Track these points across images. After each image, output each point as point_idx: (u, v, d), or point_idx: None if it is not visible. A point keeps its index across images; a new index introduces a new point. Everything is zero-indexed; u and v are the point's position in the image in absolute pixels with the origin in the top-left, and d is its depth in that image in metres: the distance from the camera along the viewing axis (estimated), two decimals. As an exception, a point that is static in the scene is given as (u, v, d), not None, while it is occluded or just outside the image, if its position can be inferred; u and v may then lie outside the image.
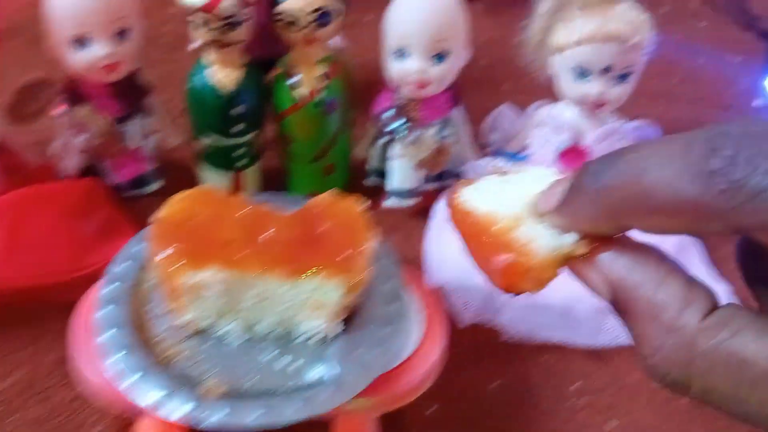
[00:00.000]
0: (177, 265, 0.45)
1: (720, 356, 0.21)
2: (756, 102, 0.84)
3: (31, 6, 0.85)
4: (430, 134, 0.65)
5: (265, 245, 0.46)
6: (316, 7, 0.58)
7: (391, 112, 0.65)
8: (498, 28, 0.93)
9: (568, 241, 0.25)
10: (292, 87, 0.63)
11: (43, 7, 0.59)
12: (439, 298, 0.54)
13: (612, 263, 0.24)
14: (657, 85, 0.85)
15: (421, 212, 0.69)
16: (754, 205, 0.19)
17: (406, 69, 0.61)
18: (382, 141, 0.67)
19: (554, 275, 0.25)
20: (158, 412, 0.43)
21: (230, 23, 0.57)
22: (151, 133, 0.67)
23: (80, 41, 0.59)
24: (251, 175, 0.68)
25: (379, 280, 0.51)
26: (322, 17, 0.59)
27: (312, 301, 0.46)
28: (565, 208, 0.24)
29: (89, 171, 0.67)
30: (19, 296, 0.58)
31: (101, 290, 0.49)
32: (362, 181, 0.70)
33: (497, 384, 0.57)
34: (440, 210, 0.67)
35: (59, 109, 0.64)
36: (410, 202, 0.68)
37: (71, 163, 0.65)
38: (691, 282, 0.23)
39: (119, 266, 0.51)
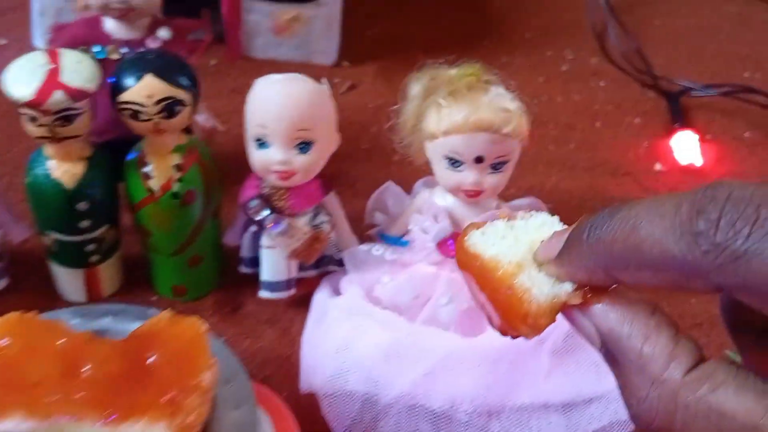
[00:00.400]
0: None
1: (701, 409, 0.22)
2: (657, 166, 0.81)
3: None
4: (302, 223, 0.60)
5: (83, 384, 0.41)
6: (161, 97, 0.53)
7: (256, 201, 0.59)
8: (389, 93, 0.89)
9: (565, 289, 0.26)
10: (145, 177, 0.57)
11: None
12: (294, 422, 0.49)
13: (604, 314, 0.25)
14: (553, 152, 0.82)
15: (302, 301, 0.64)
16: (734, 266, 0.20)
17: (269, 159, 0.56)
18: (251, 230, 0.62)
19: (550, 322, 0.26)
20: None
21: (63, 117, 0.52)
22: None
23: None
24: (107, 271, 0.63)
25: (227, 407, 0.45)
26: (170, 107, 0.53)
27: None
28: (563, 258, 0.26)
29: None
30: None
31: None
32: (237, 268, 0.65)
33: None
34: (319, 300, 0.62)
35: None
36: (285, 294, 0.63)
37: None
38: (678, 337, 0.24)
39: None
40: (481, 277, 0.28)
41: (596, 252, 0.24)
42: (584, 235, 0.24)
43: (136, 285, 0.65)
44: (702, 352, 0.24)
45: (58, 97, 0.50)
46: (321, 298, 0.62)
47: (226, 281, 0.66)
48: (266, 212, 0.59)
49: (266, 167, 0.56)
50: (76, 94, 0.51)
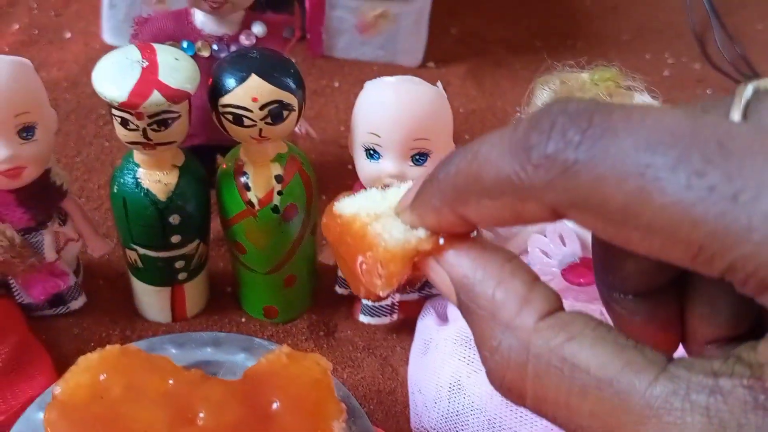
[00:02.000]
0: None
1: (553, 360, 0.20)
2: None
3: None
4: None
5: (197, 435, 0.35)
6: (268, 100, 0.47)
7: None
8: (481, 96, 0.84)
9: (418, 235, 0.24)
10: (243, 189, 0.52)
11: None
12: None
13: (457, 260, 0.23)
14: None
15: (401, 326, 0.58)
16: (564, 179, 0.18)
17: (380, 171, 0.50)
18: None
19: (401, 269, 0.24)
20: None
21: (159, 121, 0.46)
22: (69, 243, 0.55)
23: (-26, 141, 0.47)
24: (194, 289, 0.57)
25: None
26: (276, 112, 0.48)
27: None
28: (415, 201, 0.24)
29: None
30: None
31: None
32: (330, 287, 0.59)
33: None
34: (424, 328, 0.56)
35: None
36: (387, 320, 0.57)
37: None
38: (535, 282, 0.22)
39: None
40: (342, 236, 0.26)
41: (442, 189, 0.22)
42: (434, 174, 0.23)
43: (221, 304, 0.60)
44: (561, 302, 0.21)
45: (155, 98, 0.45)
46: (426, 325, 0.56)
47: (318, 302, 0.60)
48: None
49: (376, 180, 0.50)
50: (174, 96, 0.45)
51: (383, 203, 0.26)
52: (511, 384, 0.21)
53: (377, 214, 0.25)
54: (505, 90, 0.86)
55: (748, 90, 0.21)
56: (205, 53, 0.56)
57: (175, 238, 0.52)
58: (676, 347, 0.26)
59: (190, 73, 0.47)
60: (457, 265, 0.23)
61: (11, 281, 0.54)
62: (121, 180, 0.51)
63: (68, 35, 0.86)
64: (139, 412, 0.36)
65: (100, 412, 0.35)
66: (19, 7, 0.90)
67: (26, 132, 0.48)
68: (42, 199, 0.52)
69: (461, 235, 0.23)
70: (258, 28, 0.58)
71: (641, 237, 0.18)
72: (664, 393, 0.18)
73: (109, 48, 0.83)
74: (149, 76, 0.45)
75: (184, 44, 0.57)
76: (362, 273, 0.25)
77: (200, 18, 0.57)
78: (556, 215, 0.20)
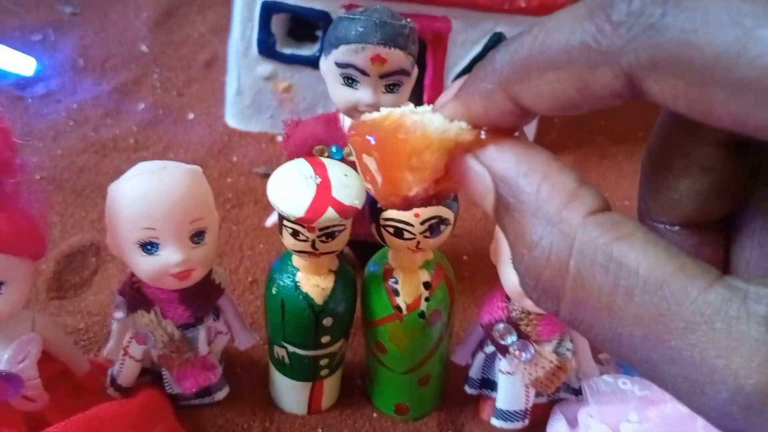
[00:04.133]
0: None
1: (599, 258, 0.18)
2: None
3: (72, 155, 0.78)
4: (548, 351, 0.55)
5: None
6: (429, 216, 0.49)
7: (503, 325, 0.55)
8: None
9: (458, 125, 0.22)
10: (392, 294, 0.54)
11: (108, 202, 0.51)
12: None
13: (500, 155, 0.21)
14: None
15: (530, 429, 0.59)
16: (648, 36, 0.17)
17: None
18: (487, 350, 0.58)
19: (436, 162, 0.22)
20: None
21: (327, 233, 0.49)
22: (218, 335, 0.57)
23: (149, 245, 0.50)
24: (331, 383, 0.59)
25: None
26: (435, 226, 0.50)
27: None
28: (462, 89, 0.22)
29: (145, 373, 0.58)
30: None
31: None
32: (462, 387, 0.61)
33: None
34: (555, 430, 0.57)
35: (117, 314, 0.54)
36: (519, 425, 0.58)
37: (126, 372, 0.56)
38: (583, 182, 0.20)
39: None
40: (369, 133, 0.24)
41: (499, 68, 0.20)
42: (488, 59, 0.21)
43: (353, 398, 0.62)
44: (609, 204, 0.20)
45: (329, 214, 0.47)
46: (556, 430, 0.57)
47: (447, 400, 0.62)
48: (513, 337, 0.55)
49: (519, 291, 0.52)
50: (347, 212, 0.48)
51: (408, 108, 0.24)
52: (548, 283, 0.19)
53: (412, 110, 0.23)
54: (611, 183, 0.87)
55: None
56: (353, 158, 0.59)
57: (325, 339, 0.54)
58: None
59: (359, 190, 0.49)
60: (500, 159, 0.21)
61: (164, 372, 0.57)
62: (281, 282, 0.53)
63: (191, 116, 0.90)
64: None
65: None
66: (144, 86, 0.94)
67: (198, 237, 0.51)
68: (203, 296, 0.54)
69: (503, 131, 0.22)
70: (402, 135, 0.60)
71: (729, 97, 0.16)
72: (718, 300, 0.17)
73: (233, 132, 0.88)
74: (324, 192, 0.48)
75: (333, 148, 0.60)
76: (390, 167, 0.23)
77: (348, 123, 0.60)
78: (629, 84, 0.18)
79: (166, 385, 0.57)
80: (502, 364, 0.56)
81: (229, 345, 0.61)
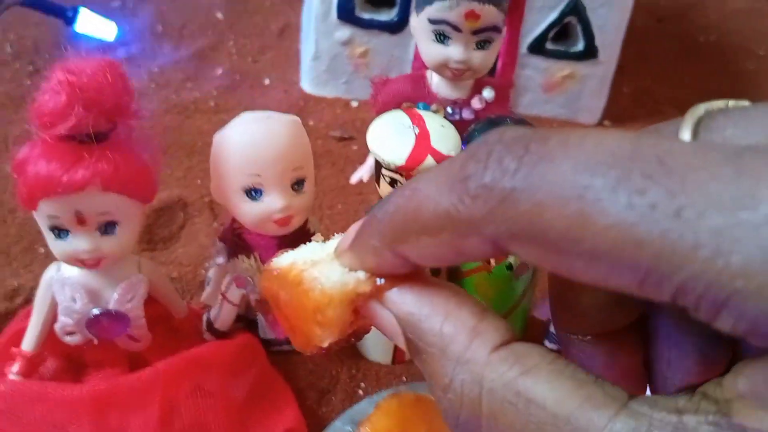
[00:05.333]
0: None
1: (508, 395, 0.18)
2: None
3: (156, 116, 0.80)
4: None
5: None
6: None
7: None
8: None
9: (357, 277, 0.23)
10: (480, 246, 0.55)
11: (214, 150, 0.53)
12: None
13: (399, 298, 0.21)
14: None
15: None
16: (503, 209, 0.17)
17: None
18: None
19: (340, 316, 0.22)
20: None
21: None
22: (311, 284, 0.60)
23: (253, 192, 0.52)
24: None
25: None
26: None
27: None
28: (354, 242, 0.23)
29: (239, 320, 0.60)
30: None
31: None
32: (542, 342, 0.62)
33: None
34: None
35: (218, 259, 0.57)
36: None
37: (224, 316, 0.58)
38: (484, 314, 0.20)
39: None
40: (278, 290, 0.24)
41: (381, 229, 0.21)
42: (374, 214, 0.21)
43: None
44: (513, 334, 0.20)
45: (428, 162, 0.49)
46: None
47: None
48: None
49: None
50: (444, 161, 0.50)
51: (322, 252, 0.24)
52: (466, 423, 0.19)
53: (314, 261, 0.24)
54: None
55: (700, 109, 0.20)
56: (441, 115, 0.61)
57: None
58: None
59: (455, 141, 0.51)
60: (401, 303, 0.21)
61: (257, 318, 0.59)
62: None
63: (267, 81, 0.93)
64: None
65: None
66: (220, 53, 0.97)
67: (298, 185, 0.53)
68: (298, 244, 0.56)
69: (402, 274, 0.22)
70: (488, 93, 0.62)
71: (585, 264, 0.17)
72: (624, 430, 0.17)
73: (309, 97, 0.90)
74: (423, 142, 0.50)
75: (420, 106, 0.61)
76: (300, 321, 0.23)
77: (436, 82, 0.62)
78: (498, 249, 0.18)
79: (259, 330, 0.60)
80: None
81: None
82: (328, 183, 0.79)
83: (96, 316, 0.52)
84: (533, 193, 0.17)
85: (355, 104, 0.89)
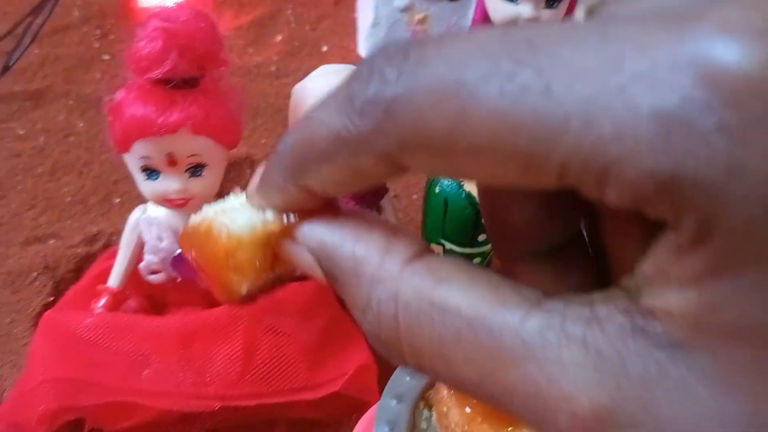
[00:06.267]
0: (479, 425, 0.39)
1: (423, 307, 0.18)
2: None
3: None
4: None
5: None
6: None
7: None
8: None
9: (264, 218, 0.22)
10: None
11: (293, 101, 0.56)
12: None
13: (310, 231, 0.21)
14: None
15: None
16: (388, 121, 0.16)
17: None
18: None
19: (252, 258, 0.22)
20: None
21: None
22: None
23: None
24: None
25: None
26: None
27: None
28: (260, 182, 0.22)
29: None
30: (251, 412, 0.53)
31: (377, 435, 0.43)
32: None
33: None
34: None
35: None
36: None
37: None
38: (395, 232, 0.20)
39: (389, 405, 0.45)
40: (192, 244, 0.24)
41: (283, 163, 0.20)
42: (276, 149, 0.21)
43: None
44: (428, 248, 0.19)
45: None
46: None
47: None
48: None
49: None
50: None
51: (235, 202, 0.24)
52: (387, 341, 0.19)
53: (224, 210, 0.23)
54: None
55: None
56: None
57: (482, 237, 0.59)
58: None
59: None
60: (312, 235, 0.21)
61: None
62: (445, 182, 0.57)
63: (325, 48, 0.95)
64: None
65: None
66: (279, 21, 0.99)
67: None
68: (370, 192, 0.59)
69: (311, 209, 0.21)
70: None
71: (472, 163, 0.16)
72: (537, 327, 0.16)
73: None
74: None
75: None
76: (215, 271, 0.23)
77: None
78: (393, 166, 0.18)
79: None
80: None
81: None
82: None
83: (180, 254, 0.55)
84: (413, 97, 0.16)
85: (412, 71, 0.91)
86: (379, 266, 0.19)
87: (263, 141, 0.79)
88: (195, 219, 0.24)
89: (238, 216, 0.22)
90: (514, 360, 0.16)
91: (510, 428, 0.39)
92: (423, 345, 0.18)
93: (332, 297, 0.61)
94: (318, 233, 0.21)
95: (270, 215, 0.22)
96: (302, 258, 0.21)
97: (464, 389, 0.18)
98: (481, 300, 0.17)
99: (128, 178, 0.55)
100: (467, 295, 0.17)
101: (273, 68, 0.90)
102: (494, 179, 0.16)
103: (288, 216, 0.22)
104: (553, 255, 0.21)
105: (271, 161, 0.21)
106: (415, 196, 0.75)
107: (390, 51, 0.17)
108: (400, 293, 0.18)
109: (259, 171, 0.22)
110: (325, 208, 0.21)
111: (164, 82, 0.50)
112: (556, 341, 0.16)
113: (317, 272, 0.21)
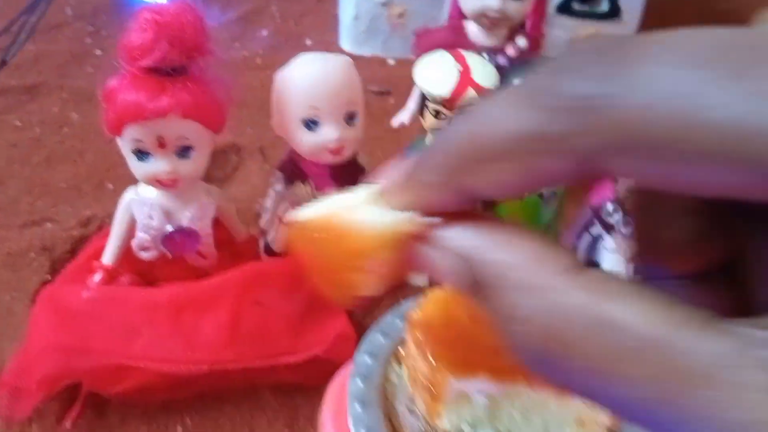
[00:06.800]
0: (443, 373, 0.43)
1: (592, 320, 0.17)
2: None
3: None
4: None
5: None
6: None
7: (611, 205, 0.62)
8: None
9: (407, 217, 0.21)
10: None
11: (276, 87, 0.59)
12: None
13: (457, 234, 0.20)
14: None
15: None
16: (598, 119, 0.16)
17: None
18: (593, 232, 0.65)
19: (389, 259, 0.21)
20: None
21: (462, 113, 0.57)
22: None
23: (311, 123, 0.58)
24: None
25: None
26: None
27: (579, 417, 0.44)
28: (407, 181, 0.21)
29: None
30: (236, 376, 0.57)
31: (351, 389, 0.47)
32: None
33: None
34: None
35: (276, 187, 0.63)
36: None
37: (280, 238, 0.65)
38: (548, 242, 0.19)
39: (363, 361, 0.49)
40: (312, 240, 0.23)
41: (444, 161, 0.19)
42: (431, 148, 0.20)
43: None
44: (581, 260, 0.18)
45: (470, 95, 0.55)
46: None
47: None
48: (619, 215, 0.62)
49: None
50: (484, 93, 0.56)
51: (349, 201, 0.23)
52: (538, 353, 0.18)
53: (350, 207, 0.22)
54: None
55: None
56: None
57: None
58: None
59: (493, 75, 0.57)
60: (459, 238, 0.20)
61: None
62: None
63: (309, 42, 0.99)
64: (485, 335, 0.45)
65: (455, 332, 0.45)
66: (264, 16, 1.03)
67: (350, 118, 0.59)
68: (349, 174, 0.63)
69: (453, 213, 0.21)
70: (521, 41, 0.68)
71: (694, 168, 0.15)
72: (725, 350, 0.16)
73: (348, 55, 0.96)
74: (465, 76, 0.56)
75: (458, 53, 0.67)
76: (340, 269, 0.22)
77: (473, 30, 0.68)
78: (583, 168, 0.17)
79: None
80: (607, 242, 0.64)
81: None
82: (367, 133, 0.85)
83: (170, 233, 0.59)
84: (633, 97, 0.15)
85: (392, 62, 0.95)
86: (534, 275, 0.18)
87: (249, 130, 0.83)
88: (307, 213, 0.23)
89: (376, 214, 0.21)
90: (699, 381, 0.16)
91: (470, 375, 0.43)
92: (588, 361, 0.17)
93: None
94: (465, 237, 0.20)
95: (406, 216, 0.21)
96: (440, 262, 0.20)
97: (629, 409, 0.17)
98: (658, 318, 0.16)
99: (120, 165, 0.59)
100: (640, 311, 0.17)
101: (258, 61, 0.94)
102: (715, 189, 0.16)
103: (430, 218, 0.21)
104: (694, 278, 0.21)
105: (423, 159, 0.20)
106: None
107: (595, 46, 0.17)
108: (558, 304, 0.17)
109: (394, 171, 0.22)
110: (466, 212, 0.20)
111: (154, 70, 0.54)
112: (742, 365, 0.15)
113: (455, 278, 0.20)
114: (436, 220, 0.21)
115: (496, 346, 0.45)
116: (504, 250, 0.19)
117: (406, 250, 0.21)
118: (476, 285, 0.19)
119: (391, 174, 0.22)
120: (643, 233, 0.22)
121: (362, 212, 0.22)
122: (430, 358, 0.44)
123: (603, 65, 0.16)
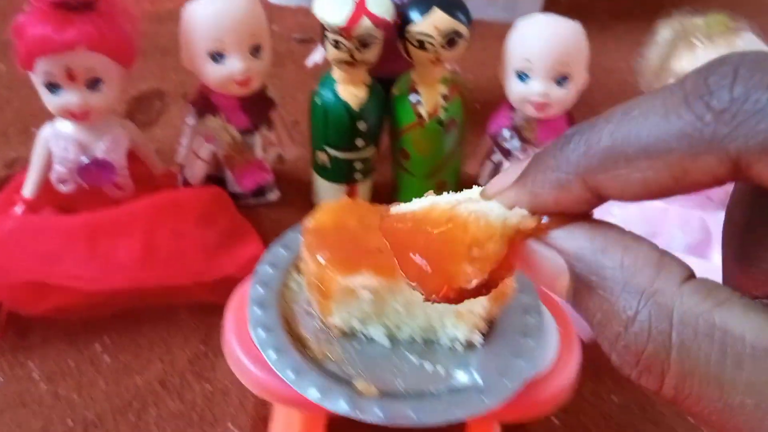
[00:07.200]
0: (330, 271, 0.47)
1: (702, 327, 0.18)
2: None
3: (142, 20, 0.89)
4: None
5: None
6: (447, 30, 0.60)
7: (507, 132, 0.66)
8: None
9: (520, 213, 0.21)
10: (414, 105, 0.65)
11: (183, 22, 0.62)
12: (568, 313, 0.55)
13: (569, 234, 0.21)
14: None
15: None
16: (756, 121, 0.17)
17: (528, 90, 0.63)
18: (495, 159, 0.69)
19: (499, 252, 0.21)
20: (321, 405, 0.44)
21: (364, 43, 0.60)
22: (270, 146, 0.69)
23: (217, 56, 0.61)
24: (363, 188, 0.71)
25: (517, 292, 0.52)
26: (452, 40, 0.61)
27: (457, 310, 0.48)
28: (525, 178, 0.21)
29: (210, 180, 0.70)
30: (152, 297, 0.60)
31: (251, 294, 0.51)
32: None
33: (617, 399, 0.58)
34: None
35: (189, 120, 0.66)
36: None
37: (196, 171, 0.68)
38: (662, 249, 0.20)
39: (265, 270, 0.53)
40: (414, 231, 0.23)
41: (573, 159, 0.20)
42: (558, 145, 0.20)
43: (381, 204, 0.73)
44: (693, 270, 0.19)
45: (365, 24, 0.58)
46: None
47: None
48: (516, 142, 0.66)
49: (525, 98, 0.63)
50: (379, 23, 0.59)
51: (453, 198, 0.23)
52: (651, 359, 0.19)
53: (458, 200, 0.23)
54: (611, 48, 0.98)
55: None
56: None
57: (360, 142, 0.66)
58: None
59: (389, 6, 0.60)
60: (572, 239, 0.20)
61: (226, 175, 0.69)
62: (324, 94, 0.64)
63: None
64: (371, 238, 0.49)
65: (343, 236, 0.49)
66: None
67: (255, 51, 0.62)
68: (259, 106, 0.66)
69: (563, 214, 0.21)
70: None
71: None
72: None
73: (273, 6, 0.98)
74: (361, 5, 0.59)
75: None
76: (443, 259, 0.22)
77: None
78: (734, 170, 0.18)
79: (227, 185, 0.69)
80: (505, 168, 0.68)
81: (277, 167, 0.73)
82: (291, 79, 0.89)
83: (86, 165, 0.62)
84: None
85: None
86: (654, 279, 0.19)
87: (173, 76, 0.86)
88: (405, 208, 0.24)
89: (490, 207, 0.22)
90: None
91: (355, 272, 0.47)
92: (696, 366, 0.18)
93: (230, 203, 0.68)
94: (579, 237, 0.20)
95: (518, 212, 0.21)
96: (549, 260, 0.21)
97: (731, 416, 0.18)
98: (765, 329, 0.17)
99: (45, 112, 0.61)
100: (750, 321, 0.17)
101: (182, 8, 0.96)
102: None
103: (542, 216, 0.21)
104: None
105: (549, 158, 0.20)
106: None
107: (753, 57, 0.17)
108: (677, 310, 0.18)
109: (510, 172, 0.22)
110: (577, 214, 0.21)
111: (62, 5, 0.56)
112: None
113: (560, 280, 0.21)
114: (544, 218, 0.21)
115: (379, 247, 0.48)
116: (619, 252, 0.19)
117: (515, 246, 0.22)
118: (584, 285, 0.20)
119: (504, 176, 0.22)
120: (739, 255, 0.22)
121: (475, 206, 0.22)
122: (319, 258, 0.48)
123: (763, 73, 0.17)
